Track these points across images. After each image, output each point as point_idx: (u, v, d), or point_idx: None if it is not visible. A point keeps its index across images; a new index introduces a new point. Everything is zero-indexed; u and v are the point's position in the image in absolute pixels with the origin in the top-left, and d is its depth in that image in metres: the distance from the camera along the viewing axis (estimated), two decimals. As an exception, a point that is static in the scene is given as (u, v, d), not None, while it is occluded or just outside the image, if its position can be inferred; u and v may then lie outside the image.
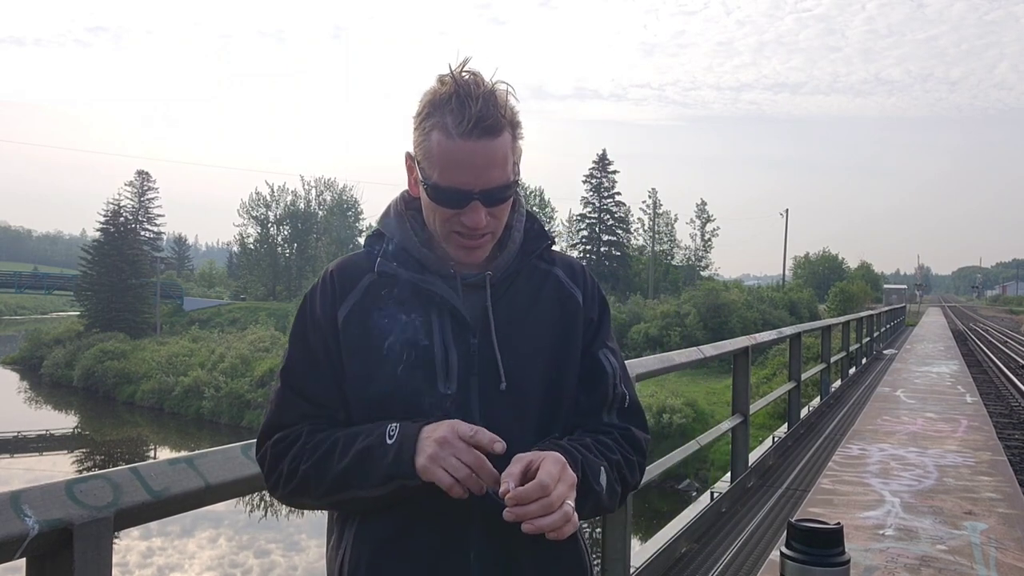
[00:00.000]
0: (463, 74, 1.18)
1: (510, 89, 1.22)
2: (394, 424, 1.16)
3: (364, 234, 73.85)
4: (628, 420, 1.34)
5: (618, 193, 60.87)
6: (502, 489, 1.05)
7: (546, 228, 1.36)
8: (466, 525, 1.19)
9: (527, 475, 1.08)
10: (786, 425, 7.81)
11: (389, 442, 1.14)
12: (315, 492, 1.20)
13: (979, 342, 27.30)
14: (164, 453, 25.87)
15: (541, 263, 1.34)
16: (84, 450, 27.16)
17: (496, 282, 1.27)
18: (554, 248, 1.38)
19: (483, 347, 1.22)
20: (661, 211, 64.72)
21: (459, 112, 1.15)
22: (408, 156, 1.25)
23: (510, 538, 1.15)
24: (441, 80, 1.19)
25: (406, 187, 1.32)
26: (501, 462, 1.11)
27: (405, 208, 1.31)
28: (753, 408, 5.83)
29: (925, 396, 9.34)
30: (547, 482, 1.05)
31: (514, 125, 1.22)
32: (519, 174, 1.26)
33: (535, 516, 1.04)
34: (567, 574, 1.28)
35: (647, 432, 1.37)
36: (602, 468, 1.22)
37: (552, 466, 1.08)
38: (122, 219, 53.64)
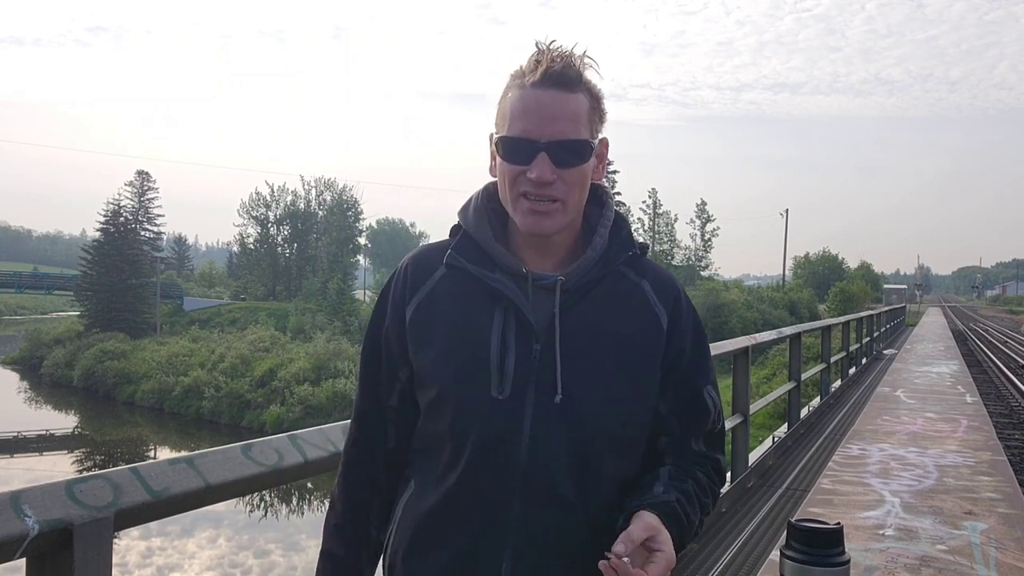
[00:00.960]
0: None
1: (594, 66, 1.20)
2: None
3: (364, 234, 73.99)
4: (715, 448, 1.32)
5: (618, 193, 60.83)
6: (617, 548, 1.04)
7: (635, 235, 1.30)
8: (503, 530, 1.16)
9: (638, 542, 1.07)
10: (786, 425, 7.82)
11: None
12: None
13: (979, 342, 27.30)
14: (164, 453, 25.86)
15: (630, 273, 1.26)
16: (84, 450, 27.16)
17: (570, 288, 1.20)
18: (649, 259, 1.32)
19: (544, 354, 1.17)
20: (661, 211, 64.81)
21: (534, 66, 1.16)
22: (490, 139, 1.22)
23: (547, 556, 1.16)
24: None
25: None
26: (547, 485, 1.15)
27: (487, 201, 1.26)
28: (753, 408, 5.84)
29: (925, 396, 9.34)
30: None
31: (593, 94, 1.20)
32: (597, 150, 1.22)
33: None
34: None
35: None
36: (696, 522, 1.22)
37: (662, 569, 1.06)
38: (122, 219, 53.61)
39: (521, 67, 1.18)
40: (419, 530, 1.21)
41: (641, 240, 1.30)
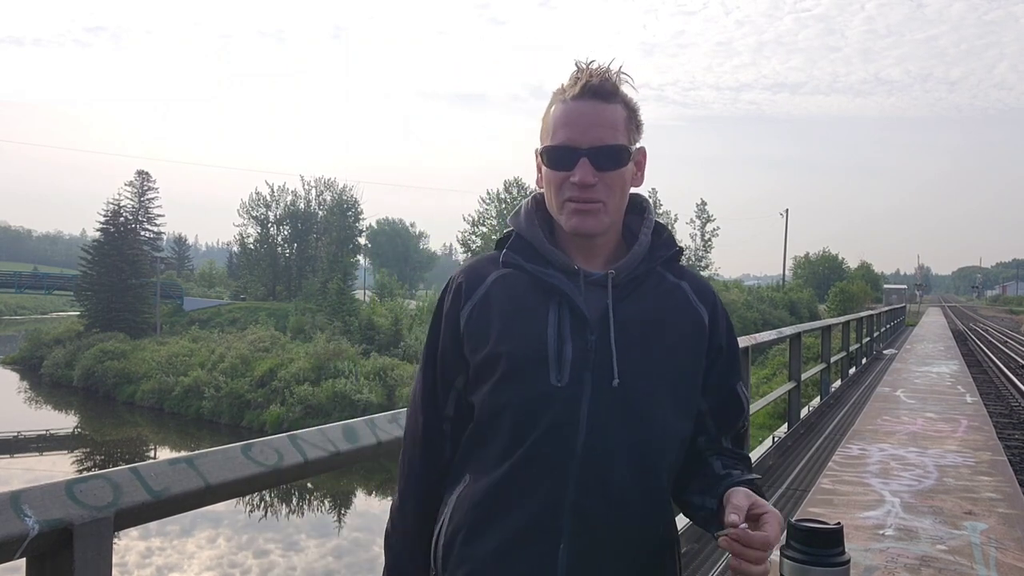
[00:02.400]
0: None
1: (629, 81, 1.31)
2: None
3: (364, 234, 73.91)
4: (743, 447, 1.42)
5: (618, 193, 60.82)
6: (731, 519, 1.10)
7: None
8: (556, 514, 1.20)
9: (748, 514, 1.13)
10: (786, 425, 7.82)
11: None
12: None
13: (979, 342, 27.29)
14: (164, 453, 25.86)
15: (669, 275, 1.35)
16: (84, 450, 27.14)
17: (619, 283, 1.28)
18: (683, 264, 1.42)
19: (600, 345, 1.23)
20: (661, 211, 64.73)
21: (574, 81, 1.27)
22: (536, 154, 1.33)
23: (601, 541, 1.21)
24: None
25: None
26: (603, 470, 1.21)
27: (536, 208, 1.35)
28: (753, 408, 5.83)
29: (925, 396, 9.34)
30: (773, 542, 1.11)
31: (630, 106, 1.30)
32: (635, 156, 1.32)
33: (749, 560, 1.09)
34: (654, 567, 1.28)
35: None
36: None
37: (776, 527, 1.13)
38: (122, 219, 53.56)
39: (563, 85, 1.29)
40: (477, 514, 1.25)
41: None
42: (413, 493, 1.37)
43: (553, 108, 1.29)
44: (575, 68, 1.28)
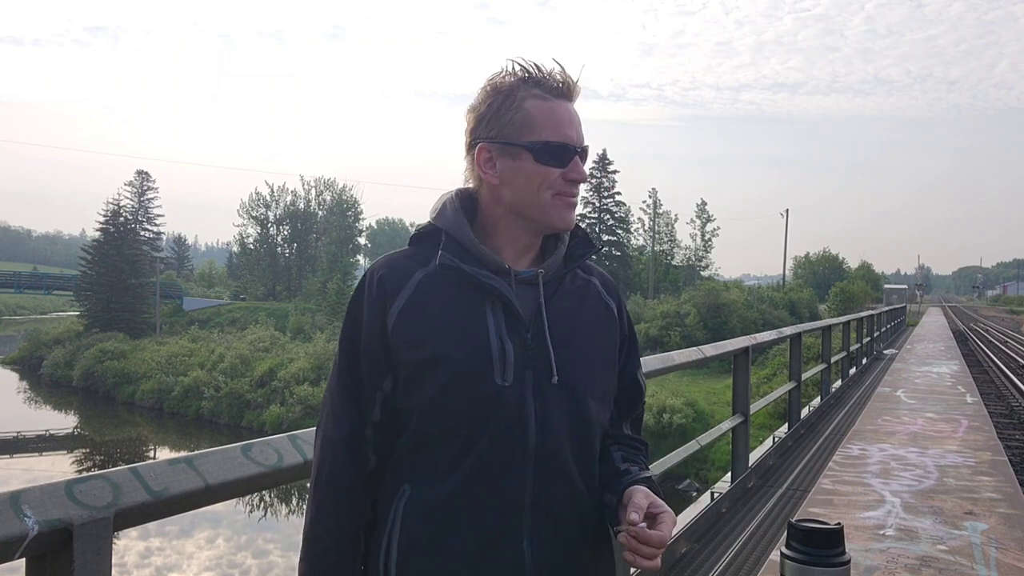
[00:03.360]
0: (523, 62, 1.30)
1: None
2: None
3: (364, 234, 73.98)
4: (639, 431, 1.48)
5: (618, 193, 60.88)
6: (632, 517, 1.16)
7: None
8: (520, 512, 1.23)
9: (646, 512, 1.20)
10: (786, 425, 7.81)
11: None
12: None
13: (979, 342, 27.30)
14: (164, 453, 25.86)
15: (580, 272, 1.40)
16: (84, 450, 27.15)
17: (547, 280, 1.31)
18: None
19: (537, 342, 1.26)
20: (661, 211, 64.81)
21: (548, 80, 1.28)
22: (483, 148, 1.29)
23: (560, 532, 1.25)
24: (505, 71, 1.30)
25: (446, 187, 1.39)
26: (556, 463, 1.24)
27: (460, 205, 1.33)
28: (753, 408, 5.83)
29: (925, 396, 9.34)
30: (667, 540, 1.18)
31: None
32: None
33: (645, 556, 1.15)
34: (602, 550, 1.35)
35: None
36: None
37: (670, 526, 1.20)
38: (122, 219, 53.61)
39: (532, 77, 1.28)
40: (435, 522, 1.23)
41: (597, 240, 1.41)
42: (337, 505, 1.27)
43: (531, 103, 1.27)
44: (533, 70, 1.29)
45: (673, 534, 4.16)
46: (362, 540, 1.30)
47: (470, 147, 1.32)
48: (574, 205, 1.32)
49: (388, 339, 1.25)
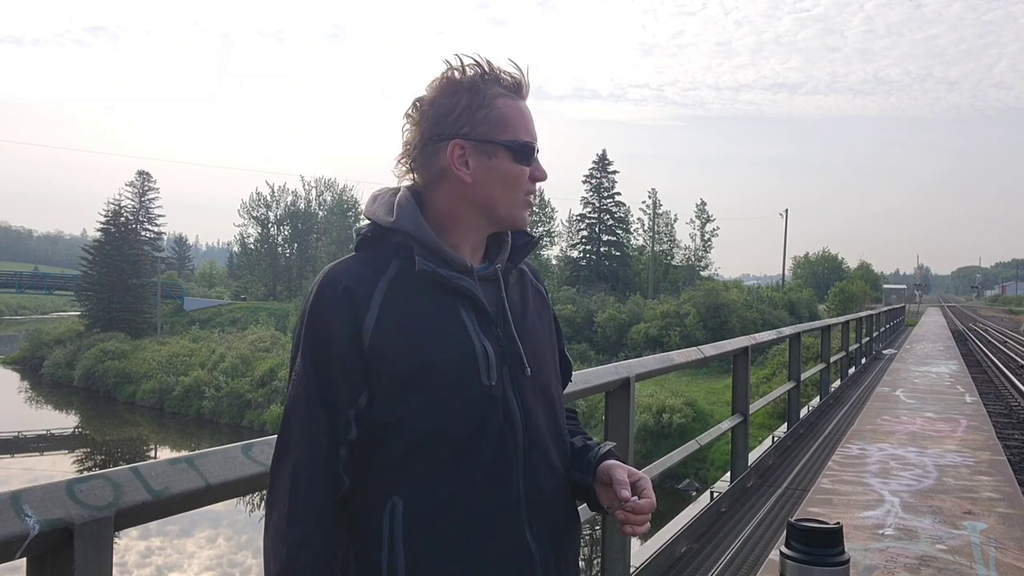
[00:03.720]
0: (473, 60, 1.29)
1: None
2: None
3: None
4: (569, 402, 1.58)
5: (618, 193, 60.85)
6: (624, 495, 1.24)
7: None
8: (518, 506, 1.26)
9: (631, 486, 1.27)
10: (786, 425, 7.81)
11: None
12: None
13: (978, 342, 27.28)
14: (164, 453, 25.86)
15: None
16: (84, 450, 27.16)
17: (504, 276, 1.33)
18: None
19: (507, 338, 1.28)
20: (661, 211, 64.74)
21: (512, 79, 1.29)
22: (457, 145, 1.26)
23: (550, 517, 1.29)
24: (456, 68, 1.27)
25: (395, 187, 1.34)
26: (540, 453, 1.28)
27: (416, 204, 1.29)
28: (753, 408, 5.83)
29: (924, 396, 9.34)
30: (654, 503, 1.26)
31: None
32: None
33: (639, 524, 1.25)
34: (576, 554, 1.40)
35: None
36: None
37: (651, 488, 1.29)
38: (123, 219, 53.61)
39: (489, 74, 1.27)
40: (436, 533, 1.20)
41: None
42: (322, 535, 1.19)
43: (502, 101, 1.27)
44: (494, 68, 1.28)
45: (673, 533, 4.17)
46: (339, 568, 1.23)
47: (429, 143, 1.27)
48: (532, 206, 1.34)
49: (364, 352, 1.20)
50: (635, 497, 1.25)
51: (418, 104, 1.28)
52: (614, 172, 61.15)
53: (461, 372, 1.22)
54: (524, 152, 1.28)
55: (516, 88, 1.29)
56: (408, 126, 1.30)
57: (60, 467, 23.94)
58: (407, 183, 1.33)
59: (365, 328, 1.20)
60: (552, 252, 63.23)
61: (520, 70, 1.30)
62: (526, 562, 1.24)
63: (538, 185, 1.37)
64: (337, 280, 1.23)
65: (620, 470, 1.28)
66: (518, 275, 1.38)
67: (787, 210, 60.62)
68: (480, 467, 1.23)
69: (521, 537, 1.24)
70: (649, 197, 64.74)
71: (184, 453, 1.53)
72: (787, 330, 8.09)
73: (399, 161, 1.32)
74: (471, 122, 1.25)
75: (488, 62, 1.28)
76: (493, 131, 1.26)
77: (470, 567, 1.21)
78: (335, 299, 1.21)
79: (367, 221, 1.31)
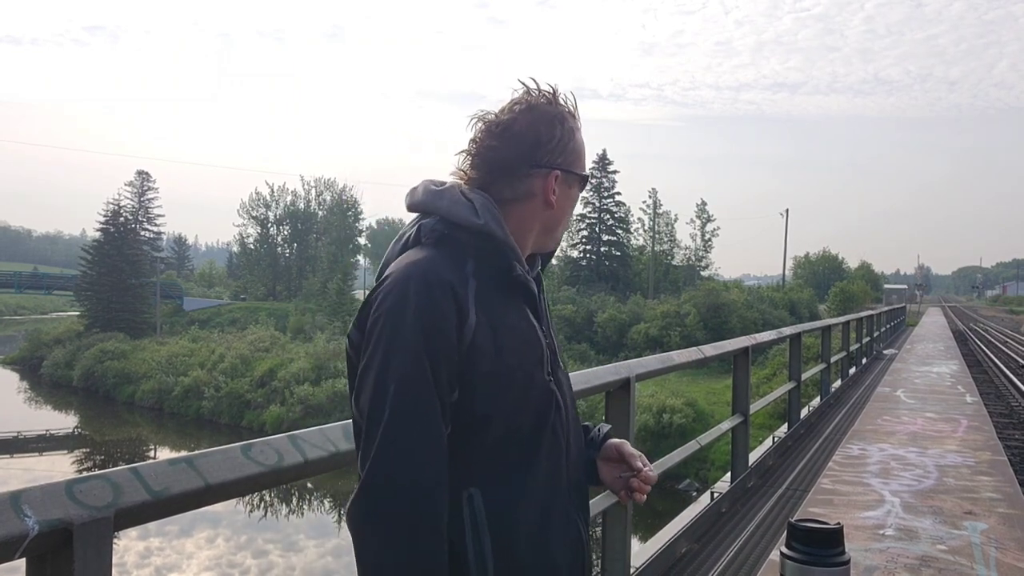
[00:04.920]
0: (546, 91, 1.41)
1: None
2: None
3: (364, 234, 73.90)
4: None
5: (618, 193, 60.83)
6: (638, 465, 1.42)
7: None
8: (569, 491, 1.38)
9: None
10: (786, 425, 7.81)
11: None
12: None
13: (979, 342, 27.29)
14: (164, 453, 25.86)
15: None
16: (84, 450, 27.16)
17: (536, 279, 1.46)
18: None
19: (549, 336, 1.40)
20: (661, 211, 64.74)
21: (576, 111, 1.43)
22: (555, 176, 1.38)
23: (584, 501, 1.43)
24: (546, 98, 1.38)
25: (458, 184, 1.37)
26: (576, 441, 1.42)
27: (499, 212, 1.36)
28: (753, 408, 5.83)
29: (925, 396, 9.34)
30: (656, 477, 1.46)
31: None
32: None
33: (645, 493, 1.42)
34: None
35: None
36: None
37: (645, 460, 1.47)
38: (122, 219, 53.61)
39: (561, 110, 1.39)
40: (518, 517, 1.27)
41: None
42: (440, 527, 1.20)
43: (578, 136, 1.41)
44: (566, 105, 1.40)
45: (673, 534, 4.18)
46: None
47: (523, 166, 1.35)
48: None
49: (464, 350, 1.23)
50: (648, 468, 1.41)
51: (506, 129, 1.34)
52: (614, 172, 61.16)
53: (535, 370, 1.32)
54: (584, 184, 1.46)
55: (578, 121, 1.43)
56: (493, 142, 1.35)
57: (59, 467, 23.94)
58: (454, 179, 1.39)
59: (468, 327, 1.24)
60: (552, 252, 63.10)
61: (575, 98, 1.42)
62: (576, 540, 1.37)
63: None
64: (442, 276, 1.24)
65: (626, 446, 1.46)
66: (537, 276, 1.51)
67: (787, 210, 60.65)
68: (544, 457, 1.32)
69: (572, 518, 1.37)
70: (649, 197, 64.78)
71: (184, 453, 1.52)
72: (787, 330, 8.09)
73: (472, 164, 1.37)
74: (564, 153, 1.38)
75: (562, 93, 1.40)
76: (575, 163, 1.41)
77: (544, 549, 1.30)
78: (445, 295, 1.23)
79: (432, 216, 1.32)
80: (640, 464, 1.42)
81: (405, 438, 1.18)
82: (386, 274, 1.29)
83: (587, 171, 1.47)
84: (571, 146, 1.39)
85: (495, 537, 1.24)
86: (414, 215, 1.38)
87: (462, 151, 1.39)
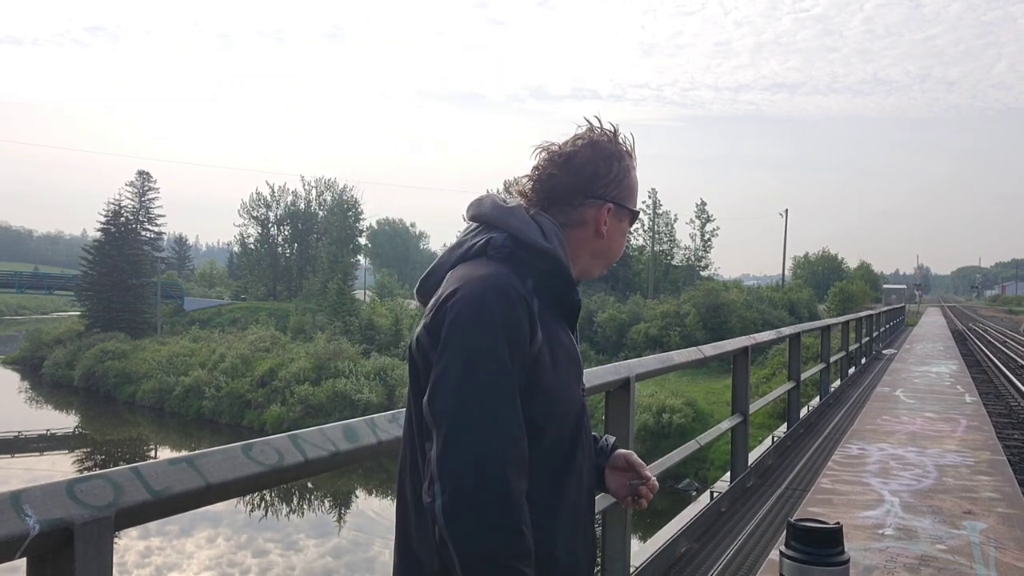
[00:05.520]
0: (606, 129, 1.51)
1: None
2: None
3: (364, 234, 73.75)
4: None
5: (618, 193, 60.75)
6: (646, 474, 1.54)
7: None
8: (591, 498, 1.49)
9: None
10: (785, 425, 7.81)
11: None
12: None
13: (978, 342, 27.28)
14: (165, 453, 25.86)
15: None
16: (84, 450, 27.15)
17: None
18: None
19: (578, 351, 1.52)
20: (661, 211, 64.67)
21: (633, 152, 1.53)
22: (607, 208, 1.48)
23: (592, 507, 1.52)
24: (605, 135, 1.49)
25: (525, 206, 1.46)
26: (592, 453, 1.52)
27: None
28: (753, 408, 5.83)
29: (924, 396, 9.34)
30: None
31: None
32: None
33: (648, 499, 1.54)
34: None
35: None
36: None
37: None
38: (123, 219, 53.57)
39: (618, 148, 1.50)
40: (553, 517, 1.36)
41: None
42: (526, 523, 1.25)
43: (634, 174, 1.52)
44: (623, 144, 1.51)
45: (673, 533, 4.18)
46: None
47: (580, 195, 1.46)
48: None
49: (530, 363, 1.30)
50: (653, 477, 1.55)
51: (569, 160, 1.45)
52: (614, 172, 61.04)
53: (576, 384, 1.44)
54: (634, 218, 1.56)
55: (634, 157, 1.53)
56: (554, 171, 1.45)
57: (60, 467, 23.94)
58: (518, 202, 1.47)
59: (536, 341, 1.32)
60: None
61: (633, 138, 1.53)
62: (594, 542, 1.49)
63: None
64: (518, 291, 1.31)
65: (634, 456, 1.58)
66: None
67: (787, 210, 60.64)
68: (579, 467, 1.43)
69: (592, 522, 1.49)
70: (649, 197, 64.71)
71: (184, 453, 1.53)
72: (787, 330, 8.09)
73: (533, 188, 1.47)
74: (618, 188, 1.49)
75: (622, 133, 1.51)
76: (627, 198, 1.52)
77: (570, 548, 1.40)
78: (523, 308, 1.30)
79: (500, 232, 1.39)
80: (647, 473, 1.54)
81: (491, 440, 1.21)
82: (458, 283, 1.31)
83: (639, 207, 1.55)
84: (625, 182, 1.50)
85: (538, 536, 1.30)
86: (472, 225, 1.47)
87: (524, 175, 1.50)
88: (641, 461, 1.57)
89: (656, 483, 1.54)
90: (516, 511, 1.21)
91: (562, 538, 1.38)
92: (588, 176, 1.45)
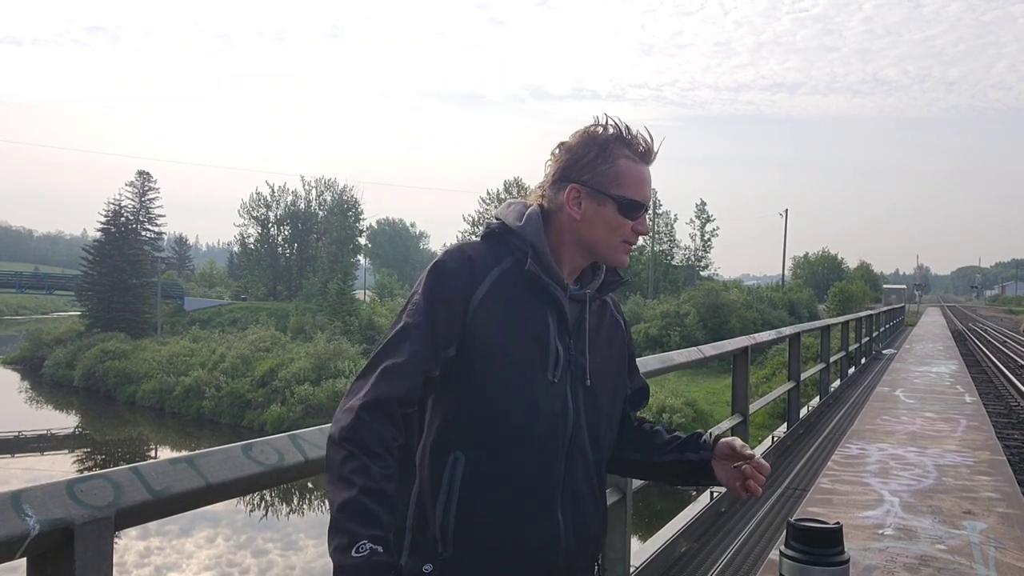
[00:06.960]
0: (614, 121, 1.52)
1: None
2: (367, 545, 1.21)
3: (364, 234, 73.78)
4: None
5: (618, 193, 60.72)
6: (749, 453, 1.53)
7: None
8: (556, 488, 1.46)
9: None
10: (785, 425, 7.82)
11: (355, 555, 1.20)
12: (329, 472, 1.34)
13: (978, 342, 27.29)
14: (165, 453, 25.86)
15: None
16: (85, 450, 27.15)
17: (588, 299, 1.56)
18: None
19: (576, 349, 1.51)
20: (661, 211, 64.69)
21: (638, 143, 1.52)
22: (575, 188, 1.50)
23: (580, 505, 1.50)
24: (600, 125, 1.51)
25: (527, 201, 1.56)
26: (580, 449, 1.50)
27: (543, 224, 1.52)
28: (752, 408, 5.83)
29: (924, 396, 9.34)
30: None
31: None
32: None
33: (760, 483, 1.52)
34: (598, 539, 1.59)
35: None
36: None
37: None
38: (123, 219, 53.58)
39: (624, 137, 1.50)
40: (489, 494, 1.40)
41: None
42: (386, 415, 1.34)
43: (623, 162, 1.49)
44: (625, 131, 1.51)
45: (673, 533, 4.18)
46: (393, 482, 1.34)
47: (559, 180, 1.51)
48: (630, 252, 1.61)
49: (467, 314, 1.41)
50: (758, 456, 1.53)
51: (561, 147, 1.53)
52: (614, 172, 61.02)
53: (533, 363, 1.44)
54: (629, 208, 1.50)
55: (643, 155, 1.52)
56: (550, 161, 1.54)
57: (60, 467, 23.93)
58: (538, 202, 1.55)
59: (474, 297, 1.42)
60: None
61: (652, 139, 1.53)
62: (552, 535, 1.45)
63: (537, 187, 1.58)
64: (464, 251, 1.47)
65: (739, 440, 1.58)
66: (601, 304, 1.62)
67: (787, 210, 60.69)
68: (535, 447, 1.44)
69: (553, 512, 1.45)
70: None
71: (184, 453, 1.53)
72: (787, 330, 8.09)
73: (539, 185, 1.56)
74: (592, 172, 1.49)
75: (627, 127, 1.51)
76: (607, 184, 1.49)
77: (507, 527, 1.41)
78: (461, 263, 1.44)
79: (496, 221, 1.55)
80: (751, 452, 1.53)
81: (392, 343, 1.40)
82: None
83: (630, 198, 1.49)
84: (604, 167, 1.49)
85: (462, 504, 1.39)
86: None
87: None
88: (744, 443, 1.57)
89: (763, 462, 1.52)
90: (358, 431, 1.31)
91: (492, 514, 1.40)
92: (566, 162, 1.51)
